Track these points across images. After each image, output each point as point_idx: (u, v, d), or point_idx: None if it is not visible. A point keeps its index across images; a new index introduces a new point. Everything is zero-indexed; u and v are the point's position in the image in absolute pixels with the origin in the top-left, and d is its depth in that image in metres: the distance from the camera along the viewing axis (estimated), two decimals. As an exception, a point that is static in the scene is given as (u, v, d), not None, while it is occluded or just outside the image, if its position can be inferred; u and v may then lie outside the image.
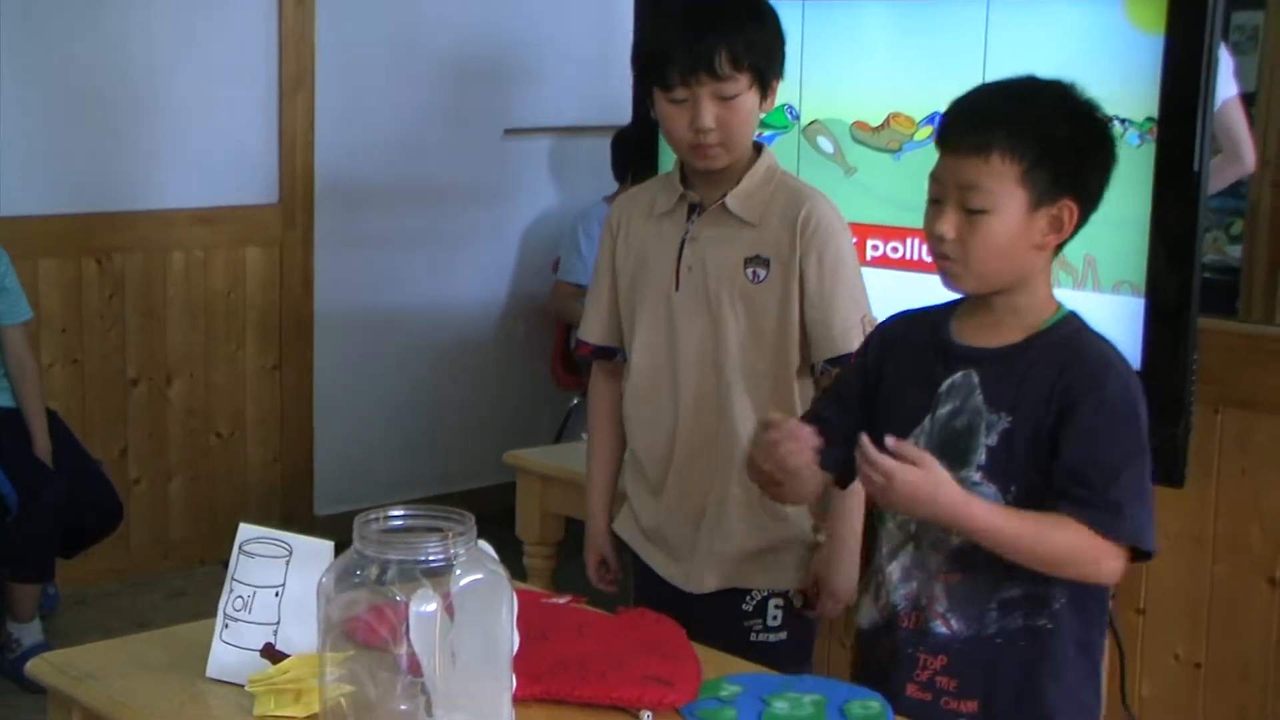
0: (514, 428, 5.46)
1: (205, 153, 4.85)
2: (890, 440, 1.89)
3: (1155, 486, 3.09)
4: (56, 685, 2.03)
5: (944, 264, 1.98)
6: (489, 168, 5.49)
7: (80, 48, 4.59)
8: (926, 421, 2.02)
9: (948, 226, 1.94)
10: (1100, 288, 2.88)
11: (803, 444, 2.00)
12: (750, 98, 2.36)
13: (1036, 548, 1.91)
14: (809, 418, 2.18)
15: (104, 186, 4.69)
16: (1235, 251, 4.75)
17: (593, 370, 2.67)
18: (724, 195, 2.42)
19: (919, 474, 1.86)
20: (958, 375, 2.00)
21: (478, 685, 1.73)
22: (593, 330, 2.62)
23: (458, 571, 1.70)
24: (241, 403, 5.03)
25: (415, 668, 1.69)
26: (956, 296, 2.06)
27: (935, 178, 1.98)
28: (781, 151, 3.28)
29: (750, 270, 2.41)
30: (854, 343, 2.33)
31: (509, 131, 5.50)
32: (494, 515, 2.90)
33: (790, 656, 2.43)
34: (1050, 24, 2.95)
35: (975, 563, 1.97)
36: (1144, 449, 1.95)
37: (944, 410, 2.00)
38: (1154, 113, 2.78)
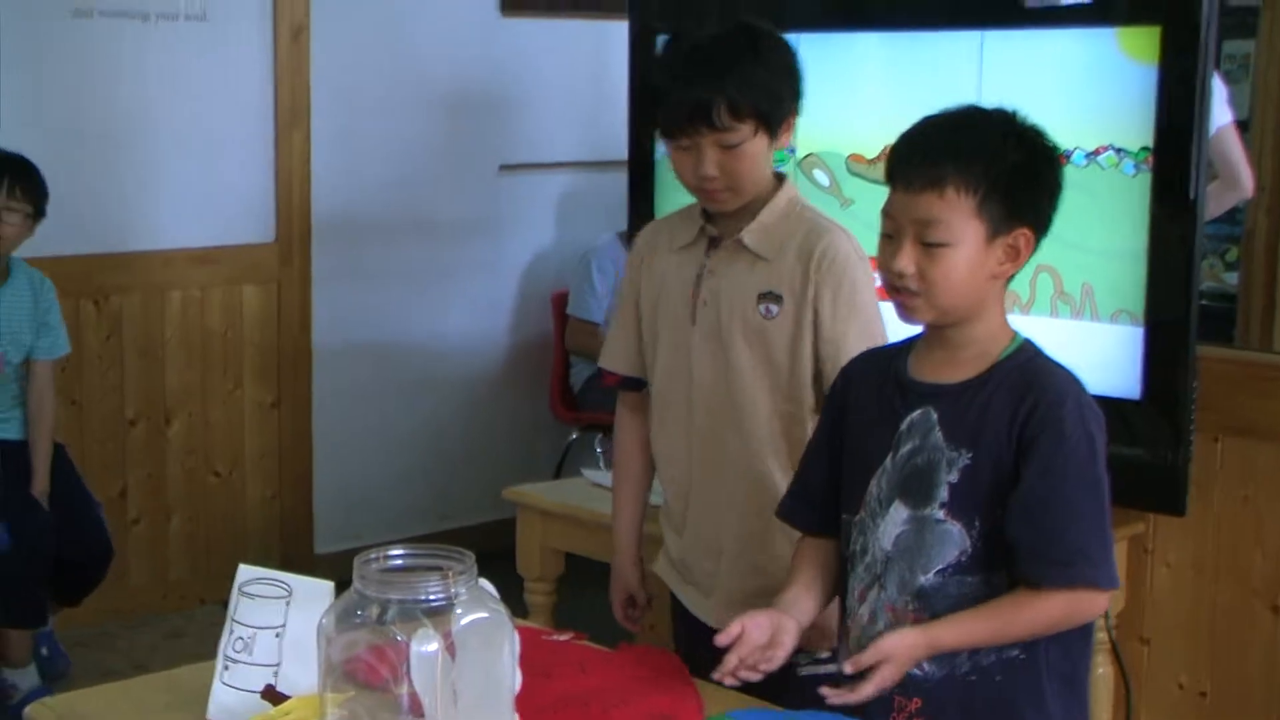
0: (513, 463, 5.45)
1: (202, 191, 4.85)
2: (847, 667, 1.92)
3: (1157, 515, 3.11)
4: (56, 730, 2.02)
5: (903, 298, 1.97)
6: (484, 203, 5.50)
7: (76, 87, 4.59)
8: (888, 461, 2.02)
9: (906, 262, 1.94)
10: (1098, 316, 2.88)
11: (769, 647, 2.00)
12: (755, 143, 2.34)
13: (1017, 634, 1.95)
14: (798, 480, 2.21)
15: (101, 227, 4.69)
16: (1231, 279, 4.75)
17: (618, 404, 2.67)
18: (741, 230, 2.41)
19: (889, 669, 1.91)
20: (916, 413, 2.01)
21: (480, 725, 1.72)
22: (617, 360, 2.61)
23: (459, 610, 1.69)
24: (240, 441, 5.02)
25: (417, 708, 1.68)
26: (913, 334, 2.07)
27: (888, 214, 1.98)
28: (778, 184, 3.28)
29: (763, 306, 2.39)
30: None
31: (504, 167, 5.51)
32: (493, 551, 2.89)
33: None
34: (1044, 55, 2.96)
35: (940, 602, 1.97)
36: (1101, 480, 1.95)
37: (904, 449, 2.01)
38: (1149, 142, 2.79)
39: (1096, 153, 2.85)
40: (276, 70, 4.93)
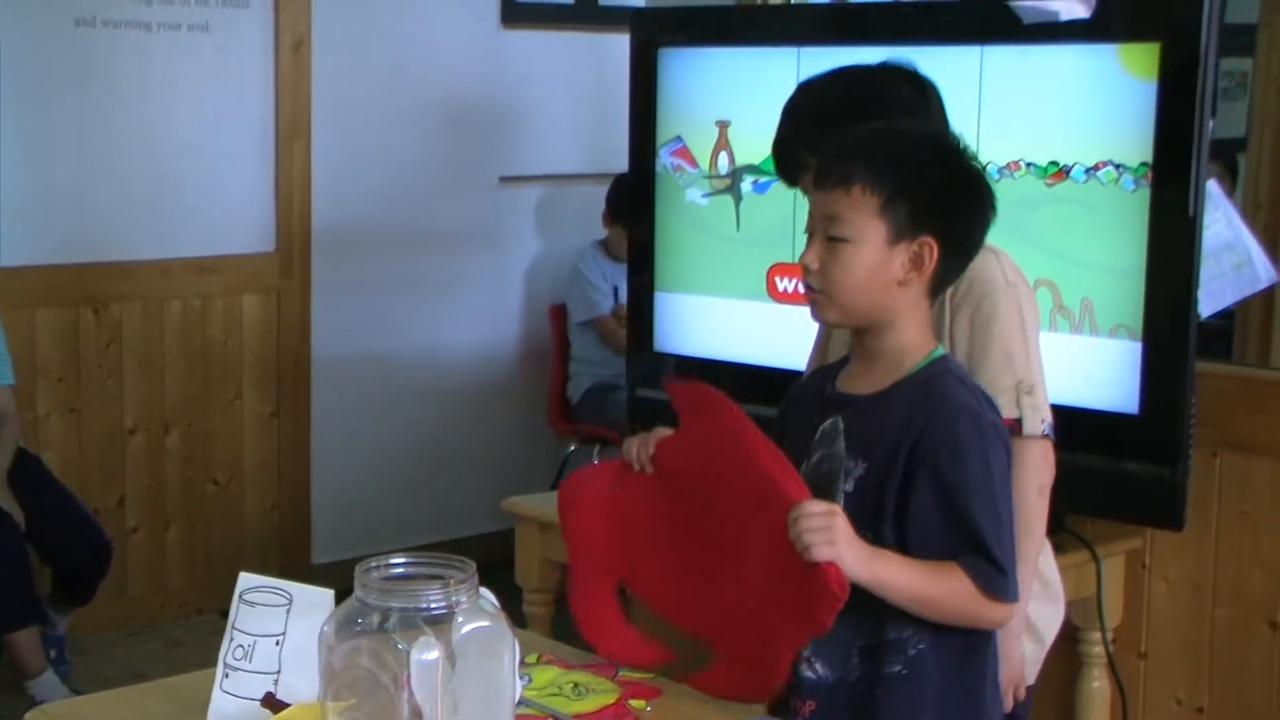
0: (510, 474, 5.45)
1: (202, 202, 4.86)
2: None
3: (1155, 530, 3.12)
4: (56, 736, 2.02)
5: (810, 295, 2.01)
6: (484, 215, 5.51)
7: (78, 96, 4.61)
8: (804, 467, 2.03)
9: (811, 257, 1.98)
10: (1097, 331, 2.89)
11: None
12: None
13: (938, 594, 1.92)
14: None
15: (101, 236, 4.69)
16: (1229, 295, 4.75)
17: None
18: None
19: (828, 543, 1.86)
20: (827, 421, 2.04)
21: (480, 734, 1.73)
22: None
23: (459, 619, 1.69)
24: (239, 451, 5.02)
25: (417, 716, 1.69)
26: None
27: (809, 212, 2.04)
28: (779, 199, 3.30)
29: None
30: (1003, 409, 2.13)
31: (504, 179, 5.52)
32: (490, 562, 2.89)
33: None
34: (1044, 71, 2.97)
35: (845, 610, 1.93)
36: (999, 501, 1.93)
37: (815, 456, 2.03)
38: (1149, 158, 2.80)
39: (1096, 168, 2.86)
40: (278, 81, 4.94)
